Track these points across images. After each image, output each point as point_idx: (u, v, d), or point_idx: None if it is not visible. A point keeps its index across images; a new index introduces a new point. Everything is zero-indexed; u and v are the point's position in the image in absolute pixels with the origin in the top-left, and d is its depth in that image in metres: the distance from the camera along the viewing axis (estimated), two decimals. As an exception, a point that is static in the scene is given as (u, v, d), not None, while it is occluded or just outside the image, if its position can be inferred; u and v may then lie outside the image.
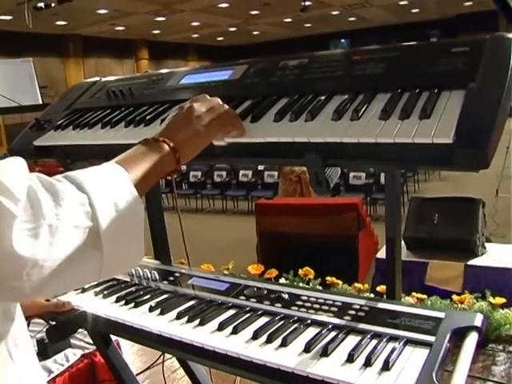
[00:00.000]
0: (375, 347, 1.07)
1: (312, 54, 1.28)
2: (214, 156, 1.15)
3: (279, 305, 1.31)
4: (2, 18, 16.08)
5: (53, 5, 12.97)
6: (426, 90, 1.01)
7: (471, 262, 4.23)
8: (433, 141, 0.86)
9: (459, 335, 1.10)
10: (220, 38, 25.35)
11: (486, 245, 4.48)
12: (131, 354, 3.30)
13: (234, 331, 1.20)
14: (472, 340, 1.08)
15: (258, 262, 5.24)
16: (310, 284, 3.89)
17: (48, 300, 1.49)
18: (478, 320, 1.13)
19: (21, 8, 12.71)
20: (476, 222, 4.38)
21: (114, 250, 0.75)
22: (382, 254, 4.58)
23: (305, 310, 1.27)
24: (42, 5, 12.87)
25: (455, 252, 4.32)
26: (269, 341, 1.14)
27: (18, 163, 0.72)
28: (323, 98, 1.11)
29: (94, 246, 0.73)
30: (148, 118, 1.31)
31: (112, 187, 0.77)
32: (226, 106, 1.08)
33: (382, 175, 8.87)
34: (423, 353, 1.05)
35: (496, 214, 6.69)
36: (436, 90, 0.99)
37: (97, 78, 1.76)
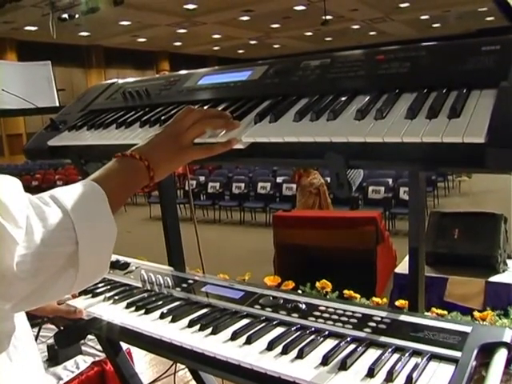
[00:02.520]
0: (397, 362, 1.01)
1: (334, 54, 1.23)
2: (232, 157, 1.10)
3: (296, 315, 1.25)
4: (28, 28, 16.38)
5: (77, 16, 13.21)
6: (455, 89, 0.96)
7: (492, 279, 4.12)
8: (463, 140, 0.80)
9: (487, 351, 1.03)
10: (240, 51, 25.52)
11: (508, 261, 4.37)
12: (143, 363, 3.26)
13: (248, 341, 1.14)
14: (501, 357, 1.01)
15: (274, 274, 5.19)
16: (328, 297, 3.82)
17: (61, 303, 1.45)
18: (508, 335, 1.06)
19: (46, 19, 12.98)
20: (498, 238, 4.28)
21: (87, 267, 0.80)
22: (400, 268, 4.50)
23: (322, 320, 1.21)
24: (66, 16, 13.11)
25: (476, 268, 4.21)
26: (284, 352, 1.08)
27: (17, 186, 0.77)
28: (345, 98, 1.06)
29: (71, 265, 0.78)
30: (163, 118, 1.27)
31: (93, 211, 0.83)
32: (197, 110, 1.08)
33: (402, 189, 8.80)
34: (449, 369, 0.98)
35: (517, 230, 6.53)
36: (465, 90, 0.94)
37: (114, 80, 1.73)
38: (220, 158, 1.06)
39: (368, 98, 1.03)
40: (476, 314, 3.40)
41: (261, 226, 9.91)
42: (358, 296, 3.80)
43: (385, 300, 3.73)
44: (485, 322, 3.26)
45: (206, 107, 1.26)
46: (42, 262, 0.73)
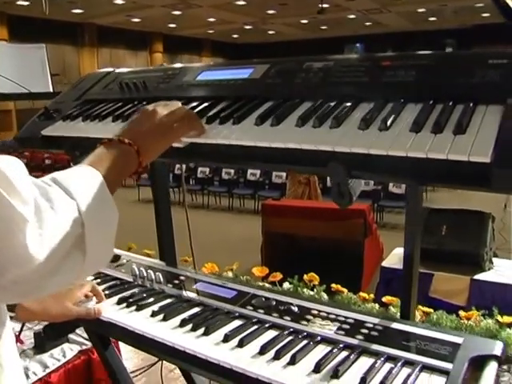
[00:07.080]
0: (389, 371, 1.01)
1: (338, 57, 1.21)
2: (230, 159, 1.09)
3: (288, 318, 1.25)
4: (20, 3, 16.09)
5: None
6: (460, 102, 0.95)
7: (477, 277, 4.16)
8: (469, 159, 0.79)
9: (477, 364, 1.04)
10: (235, 36, 25.30)
11: (493, 260, 4.41)
12: (129, 351, 3.25)
13: (240, 344, 1.14)
14: (492, 370, 1.02)
15: (262, 263, 5.19)
16: (315, 290, 3.83)
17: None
18: (498, 348, 1.07)
19: (38, -6, 12.74)
20: (485, 236, 4.31)
21: (95, 251, 0.78)
22: (387, 262, 4.53)
23: (315, 325, 1.21)
24: (59, -9, 12.90)
25: (462, 265, 4.25)
26: (276, 357, 1.08)
27: (20, 164, 0.74)
28: (349, 104, 1.05)
29: (77, 248, 0.76)
30: (162, 114, 1.25)
31: (95, 195, 0.80)
32: (186, 109, 1.12)
33: (391, 183, 8.81)
34: (440, 381, 0.99)
35: (504, 228, 6.59)
36: (471, 104, 0.93)
37: (110, 69, 1.70)
38: (219, 161, 1.05)
39: (372, 105, 1.02)
40: (461, 313, 3.42)
41: (249, 212, 9.92)
42: (345, 290, 3.81)
43: (372, 296, 3.74)
44: (470, 322, 3.28)
45: (205, 104, 1.24)
46: (53, 243, 0.70)
